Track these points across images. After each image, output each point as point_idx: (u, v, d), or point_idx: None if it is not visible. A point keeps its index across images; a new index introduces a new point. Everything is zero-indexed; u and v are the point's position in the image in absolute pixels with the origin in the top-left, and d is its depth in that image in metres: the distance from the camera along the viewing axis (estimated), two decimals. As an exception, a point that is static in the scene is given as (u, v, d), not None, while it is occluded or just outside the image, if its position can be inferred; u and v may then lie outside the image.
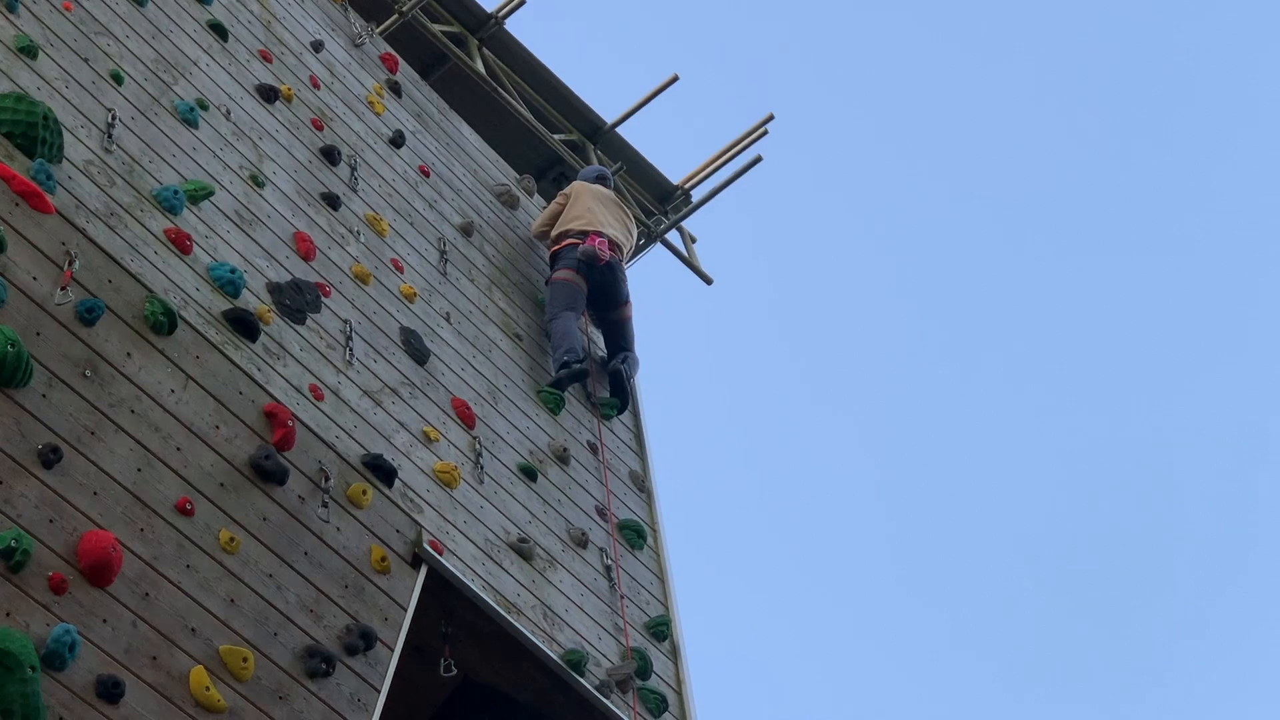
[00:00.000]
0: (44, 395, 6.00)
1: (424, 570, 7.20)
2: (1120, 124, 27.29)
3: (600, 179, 10.99)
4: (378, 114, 9.92)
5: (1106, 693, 23.46)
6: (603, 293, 10.14)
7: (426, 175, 9.95)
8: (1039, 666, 24.71)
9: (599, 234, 10.19)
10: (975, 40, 27.82)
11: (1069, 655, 24.46)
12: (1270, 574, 24.65)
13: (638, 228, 11.55)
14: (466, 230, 9.88)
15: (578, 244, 10.11)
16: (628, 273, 10.65)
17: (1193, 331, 26.34)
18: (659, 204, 12.85)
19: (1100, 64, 27.48)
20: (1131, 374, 25.86)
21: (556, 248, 10.23)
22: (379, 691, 6.55)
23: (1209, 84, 27.05)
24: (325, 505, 6.93)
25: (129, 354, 6.48)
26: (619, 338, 10.23)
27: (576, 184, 10.77)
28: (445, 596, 7.35)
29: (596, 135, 12.83)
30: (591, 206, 10.41)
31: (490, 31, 12.38)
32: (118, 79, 7.69)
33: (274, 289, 7.65)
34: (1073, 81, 27.36)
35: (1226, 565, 25.13)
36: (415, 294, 8.79)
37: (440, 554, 7.33)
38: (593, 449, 9.33)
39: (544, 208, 10.94)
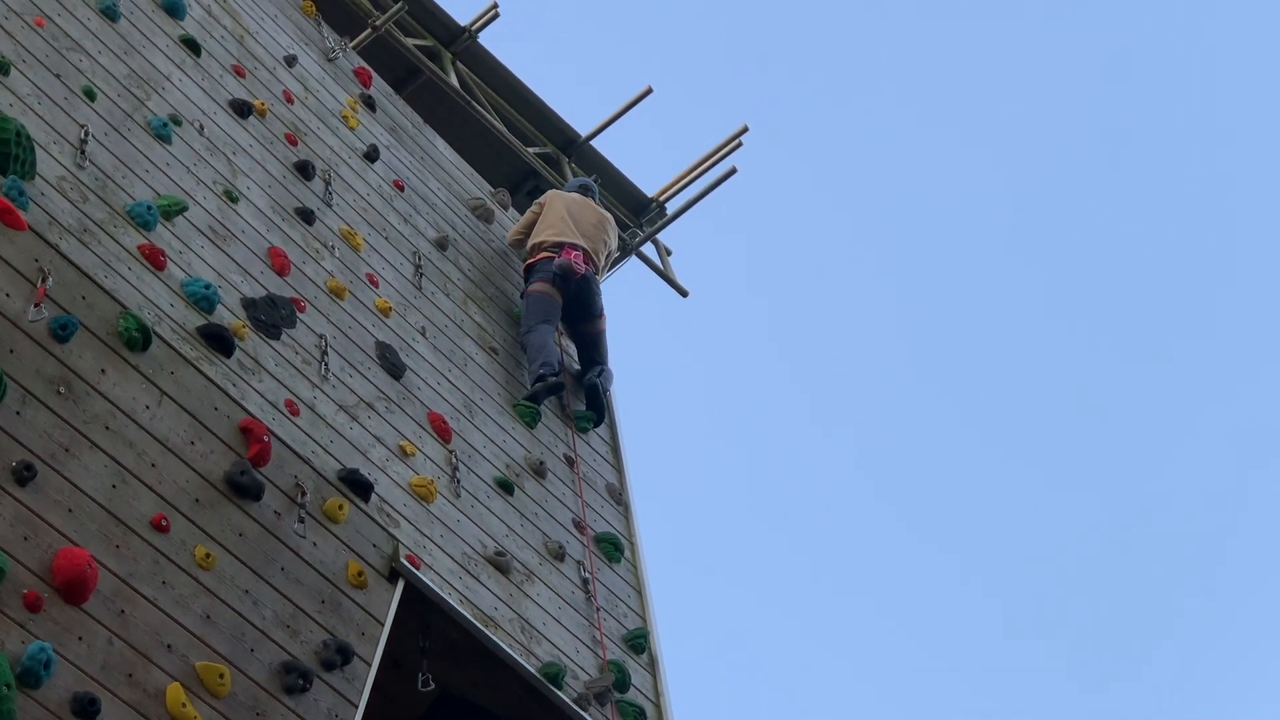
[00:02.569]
0: (18, 412, 5.98)
1: (401, 585, 7.18)
2: (1115, 127, 27.40)
3: (583, 189, 10.99)
4: (352, 128, 9.91)
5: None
6: (577, 306, 10.14)
7: (401, 189, 9.94)
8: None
9: (573, 246, 10.18)
10: (953, 50, 27.90)
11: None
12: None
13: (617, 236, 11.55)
14: (441, 244, 9.88)
15: (553, 257, 10.10)
16: (605, 280, 10.65)
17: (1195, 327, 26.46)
18: (634, 217, 12.86)
19: (1092, 72, 27.58)
20: (1122, 371, 25.95)
21: (531, 260, 10.22)
22: (356, 707, 6.54)
23: (1217, 91, 27.20)
24: (301, 520, 6.91)
25: (103, 370, 6.47)
26: (593, 351, 10.23)
27: (551, 193, 10.76)
28: (422, 611, 7.34)
29: (571, 148, 12.84)
30: (565, 216, 10.40)
31: (464, 45, 12.39)
32: (90, 95, 7.67)
33: (249, 304, 7.64)
34: (1064, 87, 27.46)
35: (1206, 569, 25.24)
36: (391, 308, 8.78)
37: (417, 568, 7.32)
38: (569, 462, 9.32)
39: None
